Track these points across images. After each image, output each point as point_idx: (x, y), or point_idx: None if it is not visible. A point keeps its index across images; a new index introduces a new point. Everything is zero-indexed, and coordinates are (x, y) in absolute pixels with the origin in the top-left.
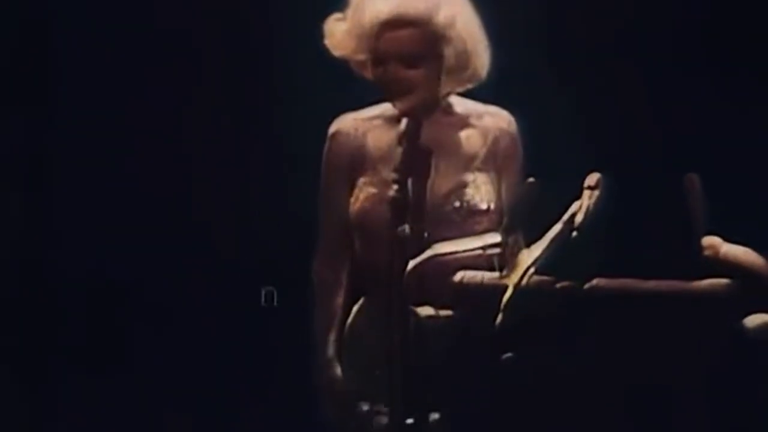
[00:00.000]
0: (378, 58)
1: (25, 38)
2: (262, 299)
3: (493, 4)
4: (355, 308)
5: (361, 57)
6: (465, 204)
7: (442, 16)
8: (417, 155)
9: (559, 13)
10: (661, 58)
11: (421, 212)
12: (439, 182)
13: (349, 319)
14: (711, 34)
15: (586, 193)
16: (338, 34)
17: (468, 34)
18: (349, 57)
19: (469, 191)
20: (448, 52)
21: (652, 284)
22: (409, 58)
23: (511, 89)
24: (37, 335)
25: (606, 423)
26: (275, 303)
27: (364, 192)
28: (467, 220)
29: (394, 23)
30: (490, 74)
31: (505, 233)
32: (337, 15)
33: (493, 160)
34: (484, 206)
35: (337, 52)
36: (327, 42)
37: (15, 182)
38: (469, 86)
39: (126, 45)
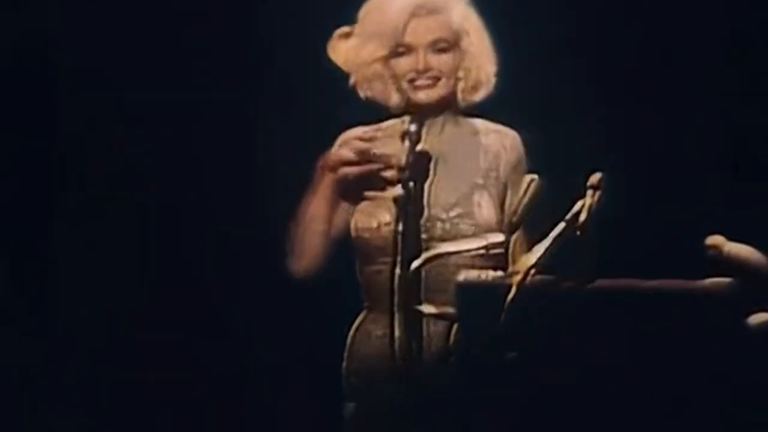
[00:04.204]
0: (407, 48)
1: None
2: None
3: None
4: (355, 324)
5: (382, 53)
6: (468, 215)
7: (460, 8)
8: (418, 158)
9: (562, 14)
10: (662, 58)
11: (421, 212)
12: (445, 193)
13: (351, 332)
14: (711, 34)
15: (589, 192)
16: (348, 46)
17: (480, 38)
18: (364, 65)
19: (474, 203)
20: (466, 46)
21: (654, 283)
22: (439, 41)
23: (515, 86)
24: None
25: (608, 423)
26: None
27: (366, 207)
28: (470, 231)
29: (421, 11)
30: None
31: (509, 232)
32: (343, 29)
33: (496, 175)
34: (487, 219)
35: (347, 65)
36: (335, 57)
37: None
38: (479, 96)
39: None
